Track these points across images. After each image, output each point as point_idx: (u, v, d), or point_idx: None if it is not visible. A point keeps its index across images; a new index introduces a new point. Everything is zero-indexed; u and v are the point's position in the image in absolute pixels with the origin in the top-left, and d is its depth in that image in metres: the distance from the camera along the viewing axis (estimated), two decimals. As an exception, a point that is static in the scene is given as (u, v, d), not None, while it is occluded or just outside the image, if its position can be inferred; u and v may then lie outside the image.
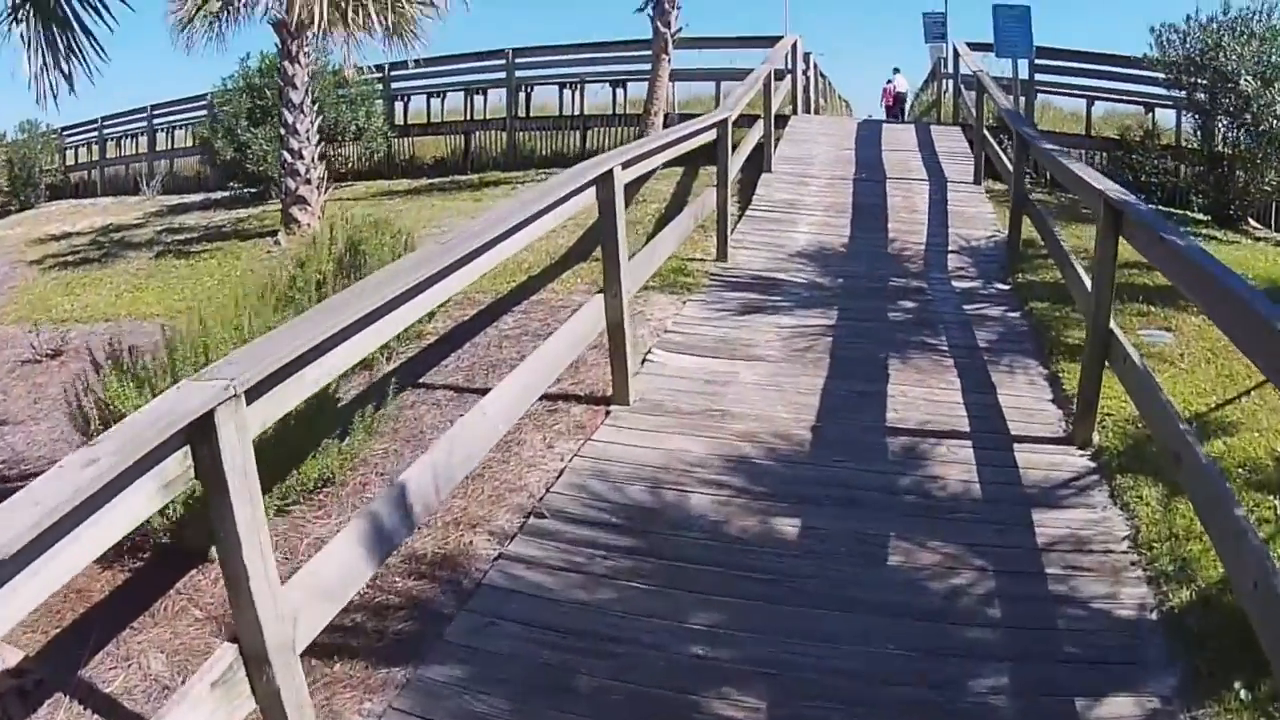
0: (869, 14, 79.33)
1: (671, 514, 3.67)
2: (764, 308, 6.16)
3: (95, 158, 19.74)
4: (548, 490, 3.91)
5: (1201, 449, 3.04)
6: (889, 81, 22.14)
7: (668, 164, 6.70)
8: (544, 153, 14.70)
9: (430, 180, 13.46)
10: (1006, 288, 6.71)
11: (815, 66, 15.56)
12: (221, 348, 3.90)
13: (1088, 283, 4.43)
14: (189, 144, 17.06)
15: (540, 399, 4.39)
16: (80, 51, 4.56)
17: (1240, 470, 4.00)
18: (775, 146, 10.37)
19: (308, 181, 10.16)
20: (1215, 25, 9.47)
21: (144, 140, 18.61)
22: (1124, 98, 12.48)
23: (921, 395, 4.78)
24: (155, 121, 18.26)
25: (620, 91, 14.46)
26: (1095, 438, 4.25)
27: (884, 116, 22.11)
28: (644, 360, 5.28)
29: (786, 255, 7.38)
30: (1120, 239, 3.89)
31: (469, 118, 15.49)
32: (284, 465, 3.95)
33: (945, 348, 5.49)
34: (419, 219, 10.26)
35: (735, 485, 3.86)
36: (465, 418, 3.40)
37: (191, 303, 8.58)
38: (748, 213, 8.58)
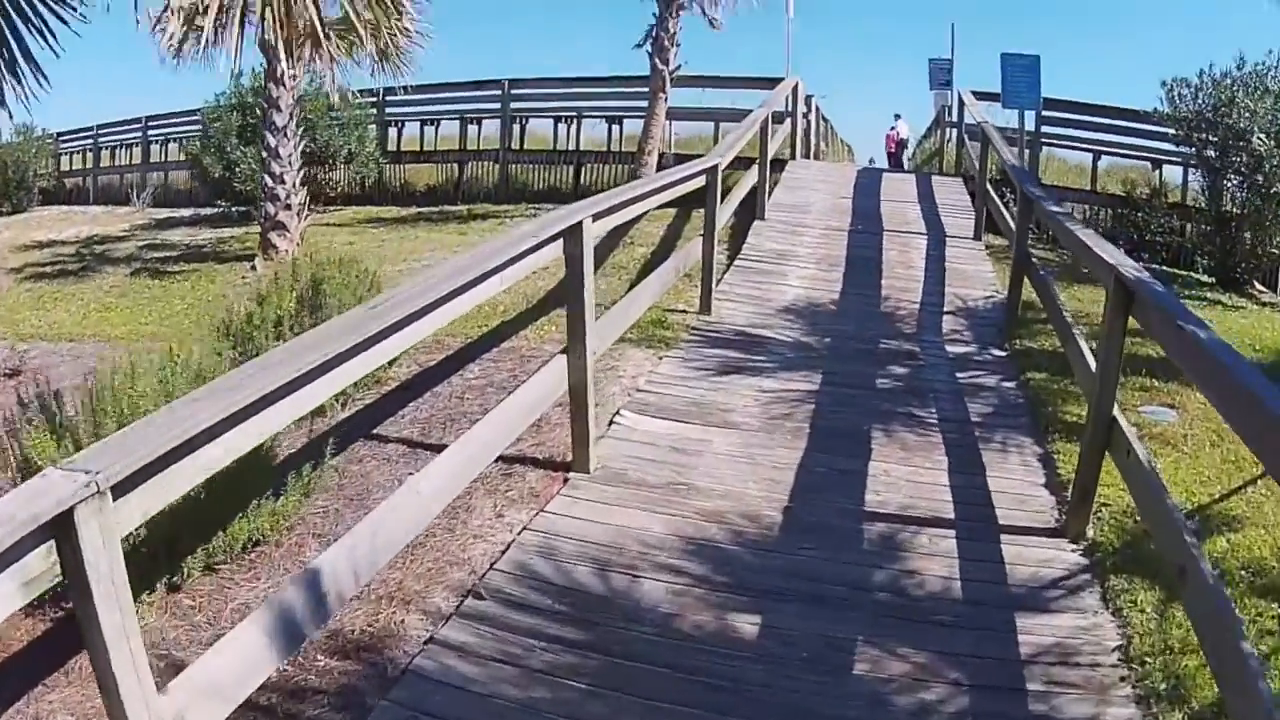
0: (873, 54, 79.76)
1: (621, 603, 3.38)
2: (745, 368, 5.89)
3: (90, 165, 19.77)
4: (491, 566, 3.63)
5: (1208, 565, 2.75)
6: (891, 128, 22.13)
7: (662, 205, 6.46)
8: (538, 186, 14.57)
9: (420, 209, 13.31)
10: (1003, 354, 6.45)
11: (817, 110, 15.42)
12: (142, 402, 3.64)
13: (1091, 362, 4.15)
14: (181, 158, 16.91)
15: (497, 460, 4.11)
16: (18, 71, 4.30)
17: (1243, 573, 3.71)
18: (770, 193, 10.17)
19: (287, 207, 9.96)
20: (1229, 80, 9.26)
21: (138, 151, 18.64)
22: (1131, 153, 12.32)
23: (905, 475, 4.49)
24: (150, 133, 18.26)
25: (616, 128, 14.36)
26: (1090, 531, 3.96)
27: (886, 161, 22.11)
28: (611, 422, 5.01)
29: (774, 310, 7.13)
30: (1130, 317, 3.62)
31: (462, 147, 15.36)
32: (208, 526, 3.68)
33: (934, 420, 5.21)
34: (399, 251, 10.07)
35: (694, 573, 3.56)
36: (395, 498, 3.12)
37: (159, 326, 8.41)
38: (736, 261, 8.35)
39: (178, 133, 17.43)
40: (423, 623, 3.34)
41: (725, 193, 8.28)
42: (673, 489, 4.24)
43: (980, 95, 11.63)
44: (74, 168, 20.14)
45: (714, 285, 7.10)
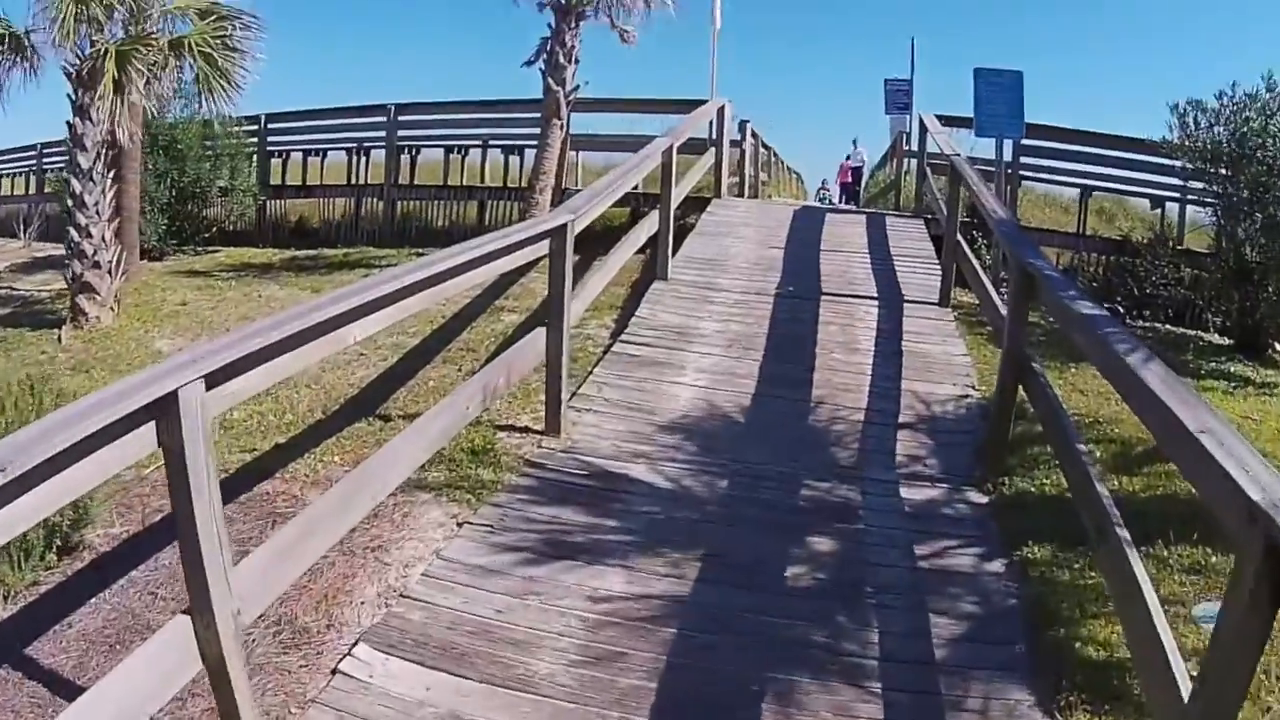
0: (834, 76, 78.37)
1: None
2: (581, 549, 3.83)
3: (-19, 195, 18.32)
4: None
5: None
6: (847, 157, 20.61)
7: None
8: (439, 223, 13.03)
9: (296, 252, 11.88)
10: (984, 501, 4.46)
11: (755, 136, 13.53)
12: None
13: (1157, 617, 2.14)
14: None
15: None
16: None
17: None
18: (680, 244, 8.18)
19: (96, 265, 8.29)
20: (1259, 103, 7.43)
21: (34, 180, 17.44)
22: (1129, 187, 10.56)
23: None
24: (45, 162, 17.00)
25: (516, 159, 12.45)
26: None
27: (838, 194, 20.57)
28: (336, 670, 2.96)
29: (654, 427, 5.10)
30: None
31: (348, 181, 13.70)
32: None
33: (873, 659, 3.19)
34: (228, 316, 8.40)
35: None
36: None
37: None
38: (618, 343, 6.34)
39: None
40: None
41: (611, 249, 6.37)
42: None
43: (947, 120, 9.84)
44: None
45: (566, 396, 5.05)
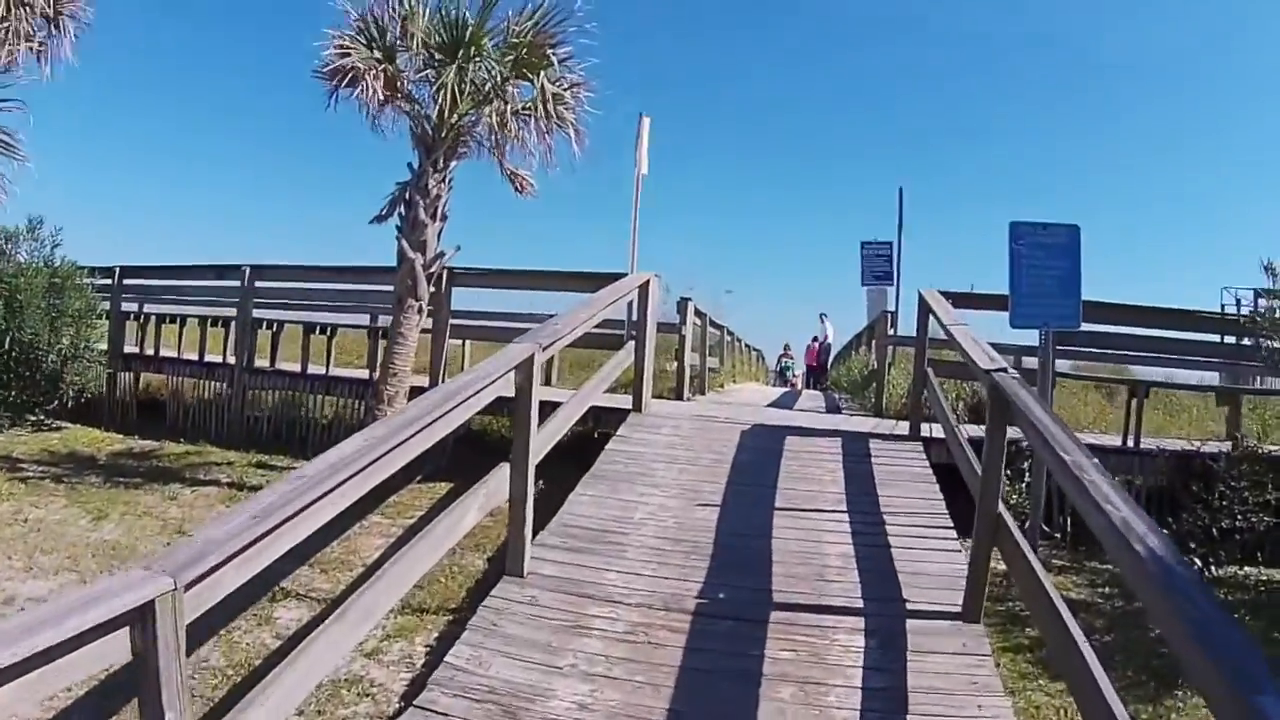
0: (805, 233, 77.08)
1: None
2: None
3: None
4: None
5: None
6: (814, 339, 18.66)
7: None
8: (323, 413, 10.66)
9: (134, 442, 10.42)
10: None
11: (702, 317, 11.07)
12: None
13: None
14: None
15: None
16: None
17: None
18: (556, 510, 5.46)
19: None
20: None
21: None
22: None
23: None
24: None
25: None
26: None
27: (804, 378, 18.62)
28: None
29: None
30: None
31: (200, 357, 11.85)
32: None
33: None
34: None
35: None
36: None
37: None
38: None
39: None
40: None
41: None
42: None
43: (961, 298, 7.35)
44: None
45: None
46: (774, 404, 11.70)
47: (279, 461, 9.33)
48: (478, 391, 4.18)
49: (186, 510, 7.67)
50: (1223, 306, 8.04)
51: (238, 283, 11.21)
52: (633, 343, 7.73)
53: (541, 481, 7.48)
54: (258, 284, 11.18)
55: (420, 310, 7.59)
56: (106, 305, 12.08)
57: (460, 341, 9.86)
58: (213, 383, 11.57)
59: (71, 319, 10.94)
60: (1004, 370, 4.71)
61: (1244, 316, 7.11)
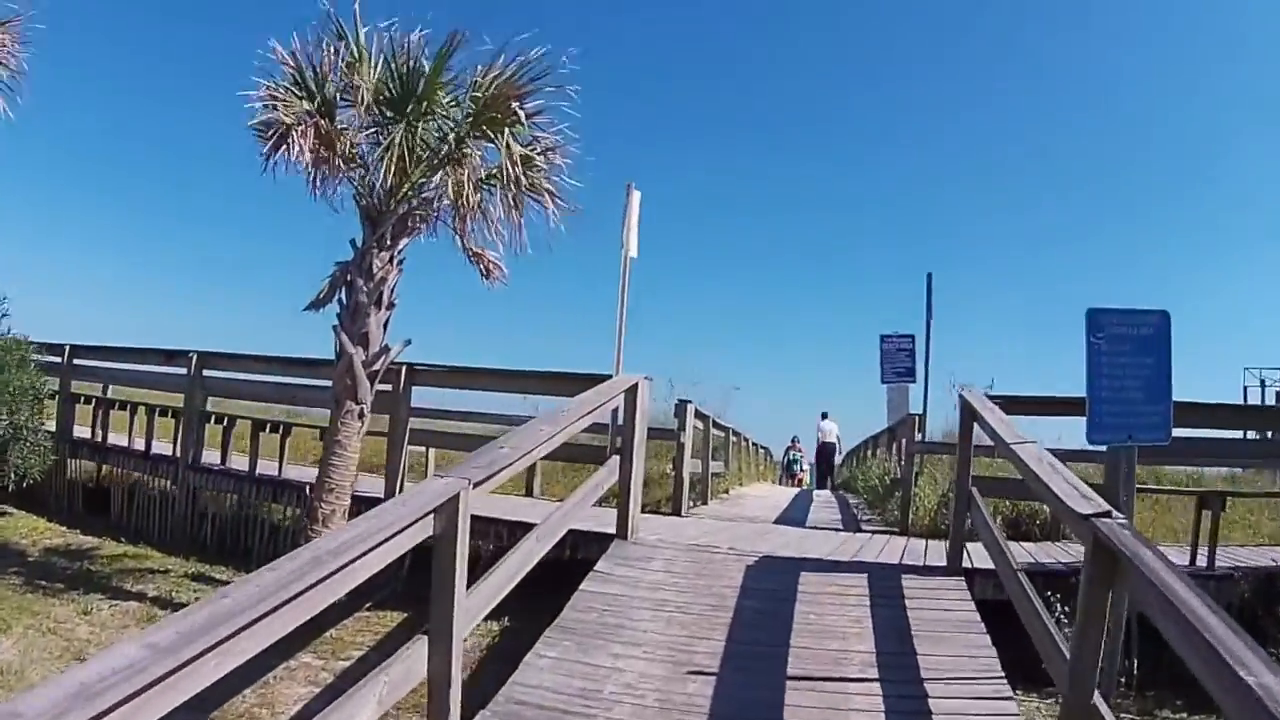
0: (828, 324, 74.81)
1: None
2: None
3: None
4: None
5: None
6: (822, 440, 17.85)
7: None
8: (278, 518, 9.39)
9: (73, 537, 9.79)
10: None
11: (705, 420, 9.87)
12: None
13: None
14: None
15: None
16: None
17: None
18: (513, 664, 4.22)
19: None
20: None
21: None
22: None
23: None
24: None
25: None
26: None
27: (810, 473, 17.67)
28: None
29: None
30: None
31: (146, 449, 10.79)
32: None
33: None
34: None
35: None
36: None
37: None
38: None
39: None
40: None
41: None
42: None
43: (1012, 402, 6.18)
44: None
45: None
46: (785, 518, 10.36)
47: (220, 574, 8.47)
48: (362, 555, 2.97)
49: (98, 630, 6.91)
50: (1245, 389, 6.84)
51: (184, 370, 10.37)
52: (616, 458, 6.45)
53: (505, 618, 6.31)
54: (205, 373, 10.34)
55: (362, 415, 6.41)
56: (57, 385, 11.50)
57: (427, 451, 8.76)
58: (159, 478, 10.52)
59: (11, 397, 10.07)
60: (1108, 516, 3.46)
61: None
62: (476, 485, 3.68)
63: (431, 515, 3.47)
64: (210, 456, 10.32)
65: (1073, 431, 6.79)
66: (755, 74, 78.90)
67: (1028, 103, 74.74)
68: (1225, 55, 66.87)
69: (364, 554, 3.02)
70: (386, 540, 3.14)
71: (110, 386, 12.68)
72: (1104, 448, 5.55)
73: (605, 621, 5.18)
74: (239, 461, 10.05)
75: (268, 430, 9.87)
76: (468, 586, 3.82)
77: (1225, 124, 70.26)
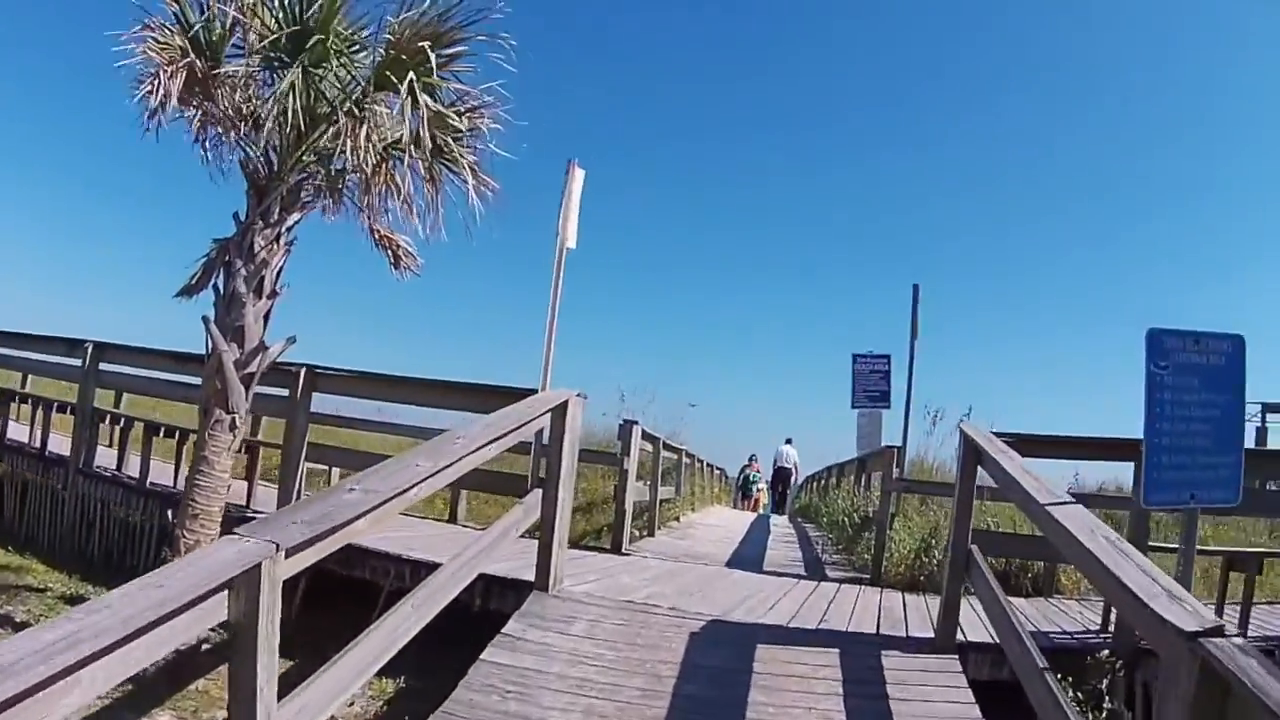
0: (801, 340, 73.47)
1: None
2: None
3: None
4: None
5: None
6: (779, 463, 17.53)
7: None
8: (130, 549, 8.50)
9: None
10: None
11: (655, 442, 8.83)
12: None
13: None
14: None
15: None
16: None
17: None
18: None
19: None
20: None
21: None
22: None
23: None
24: None
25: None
26: None
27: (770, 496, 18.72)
28: None
29: None
30: None
31: (42, 447, 9.97)
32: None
33: None
34: None
35: None
36: None
37: None
38: None
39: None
40: None
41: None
42: None
43: (1041, 445, 5.25)
44: None
45: None
46: (739, 556, 9.26)
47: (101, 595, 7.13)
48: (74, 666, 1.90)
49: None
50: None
51: (79, 362, 9.41)
52: (539, 493, 5.31)
53: (401, 677, 5.41)
54: (102, 366, 9.39)
55: (234, 426, 5.26)
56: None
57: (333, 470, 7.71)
58: (50, 481, 9.58)
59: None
60: (1220, 634, 2.44)
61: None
62: (292, 553, 2.60)
63: (226, 593, 2.40)
64: (108, 459, 9.40)
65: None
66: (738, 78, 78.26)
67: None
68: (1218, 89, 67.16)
69: (76, 664, 1.92)
70: (124, 640, 2.06)
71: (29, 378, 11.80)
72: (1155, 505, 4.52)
73: (507, 710, 4.04)
74: (138, 467, 8.90)
75: (161, 434, 8.75)
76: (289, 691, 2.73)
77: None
